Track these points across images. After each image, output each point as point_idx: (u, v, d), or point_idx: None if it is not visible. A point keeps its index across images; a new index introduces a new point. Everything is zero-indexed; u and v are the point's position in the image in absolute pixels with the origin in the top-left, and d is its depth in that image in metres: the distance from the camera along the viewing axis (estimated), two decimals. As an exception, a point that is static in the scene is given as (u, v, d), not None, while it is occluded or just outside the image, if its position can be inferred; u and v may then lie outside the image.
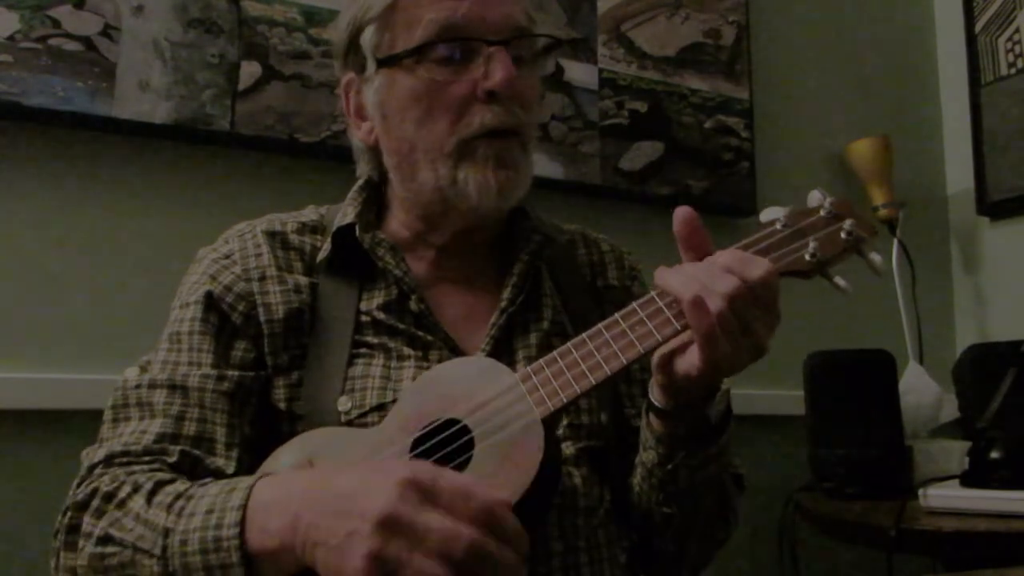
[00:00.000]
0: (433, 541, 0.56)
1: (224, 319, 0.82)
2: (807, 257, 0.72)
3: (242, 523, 0.63)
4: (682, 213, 0.72)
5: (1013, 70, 1.90)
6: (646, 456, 0.81)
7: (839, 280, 0.74)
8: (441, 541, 0.56)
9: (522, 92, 0.84)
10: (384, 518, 0.57)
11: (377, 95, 0.87)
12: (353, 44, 0.88)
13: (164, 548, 0.65)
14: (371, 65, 0.87)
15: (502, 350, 0.84)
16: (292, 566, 0.63)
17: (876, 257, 0.74)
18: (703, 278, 0.68)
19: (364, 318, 0.84)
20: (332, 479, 0.63)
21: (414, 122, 0.84)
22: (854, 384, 1.50)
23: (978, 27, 1.99)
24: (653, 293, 0.71)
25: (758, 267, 0.68)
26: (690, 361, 0.70)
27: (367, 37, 0.86)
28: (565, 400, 0.69)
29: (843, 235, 0.73)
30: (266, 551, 0.63)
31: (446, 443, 0.70)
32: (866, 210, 1.84)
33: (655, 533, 0.86)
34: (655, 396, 0.77)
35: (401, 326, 0.83)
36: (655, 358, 0.74)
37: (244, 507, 0.64)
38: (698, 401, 0.75)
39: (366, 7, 0.86)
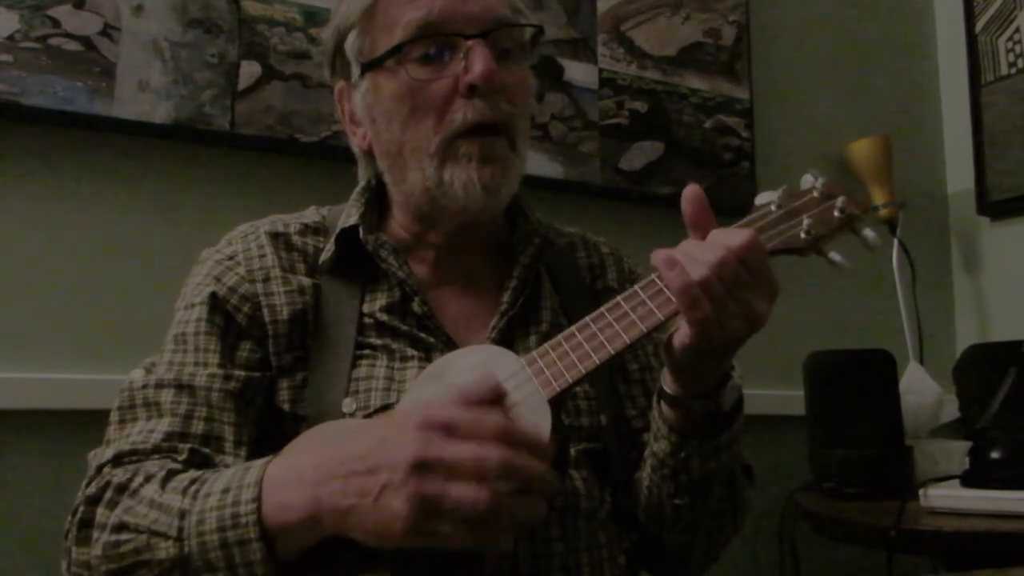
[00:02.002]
0: (465, 468, 0.59)
1: (229, 320, 0.82)
2: (802, 235, 0.74)
3: (259, 499, 0.64)
4: (691, 192, 0.74)
5: (1013, 70, 1.90)
6: (658, 446, 0.81)
7: (834, 256, 0.75)
8: (473, 466, 0.59)
9: (507, 85, 0.83)
10: (413, 462, 0.59)
11: (364, 100, 0.87)
12: (338, 51, 0.89)
13: (180, 529, 0.65)
14: (355, 71, 0.87)
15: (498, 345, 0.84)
16: (313, 538, 0.64)
17: (869, 233, 0.76)
18: (688, 248, 0.70)
19: (367, 319, 0.84)
20: (346, 445, 0.64)
21: (400, 124, 0.84)
22: (854, 384, 1.50)
23: (978, 27, 1.98)
24: (653, 276, 0.72)
25: (739, 234, 0.70)
26: (684, 331, 0.71)
27: (350, 43, 0.87)
28: (571, 380, 0.70)
29: (836, 213, 0.75)
30: (286, 525, 0.63)
31: None
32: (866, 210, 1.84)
33: (664, 527, 0.86)
34: (666, 383, 0.77)
35: (404, 328, 0.84)
36: (664, 343, 0.74)
37: (260, 483, 0.64)
38: (709, 389, 0.75)
39: (348, 13, 0.87)
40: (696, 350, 0.70)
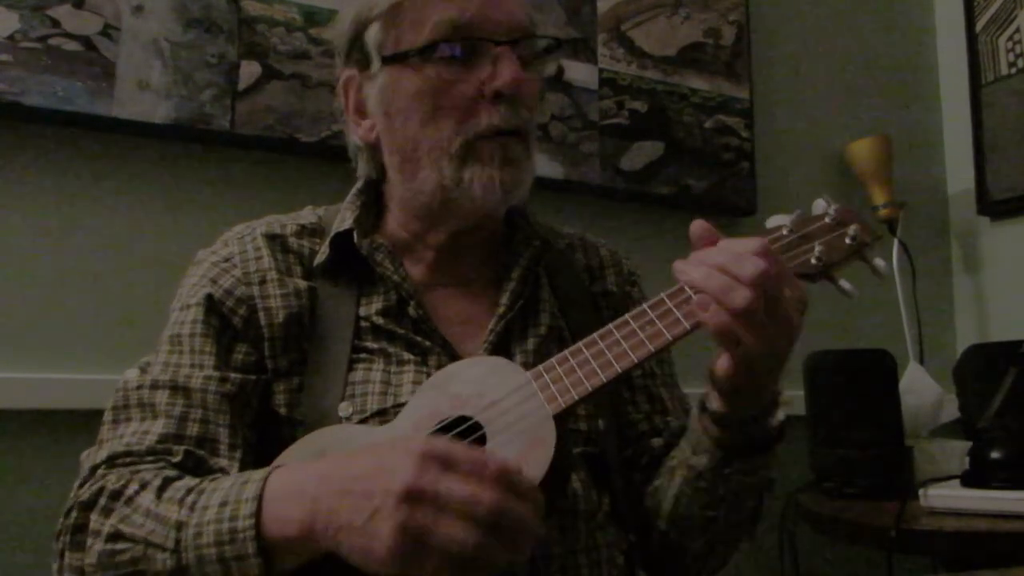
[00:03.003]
0: (457, 506, 0.57)
1: (225, 322, 0.82)
2: (813, 261, 0.74)
3: (257, 514, 0.63)
4: (699, 227, 0.73)
5: (1013, 70, 1.90)
6: (696, 460, 0.80)
7: (844, 283, 0.75)
8: (464, 505, 0.57)
9: (527, 93, 0.84)
10: (406, 491, 0.58)
11: (381, 93, 0.86)
12: (357, 40, 0.88)
13: (177, 541, 0.64)
14: (376, 62, 0.86)
15: (500, 355, 0.84)
16: (310, 554, 0.64)
17: (880, 262, 0.77)
18: (713, 282, 0.68)
19: (363, 323, 0.84)
20: (346, 464, 0.63)
21: (419, 121, 0.83)
22: (854, 384, 1.50)
23: (978, 27, 1.98)
24: (663, 295, 0.72)
25: (752, 243, 0.69)
26: (725, 362, 0.70)
27: (372, 34, 0.86)
28: (577, 397, 0.69)
29: (847, 240, 0.76)
30: (283, 540, 0.63)
31: (458, 440, 0.70)
32: (866, 210, 1.84)
33: (689, 536, 0.85)
34: (712, 402, 0.77)
35: (400, 331, 0.83)
36: (707, 370, 0.74)
37: (259, 498, 0.64)
38: (760, 411, 0.75)
39: (371, 4, 0.86)
40: (738, 377, 0.70)
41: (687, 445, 0.82)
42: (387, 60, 0.85)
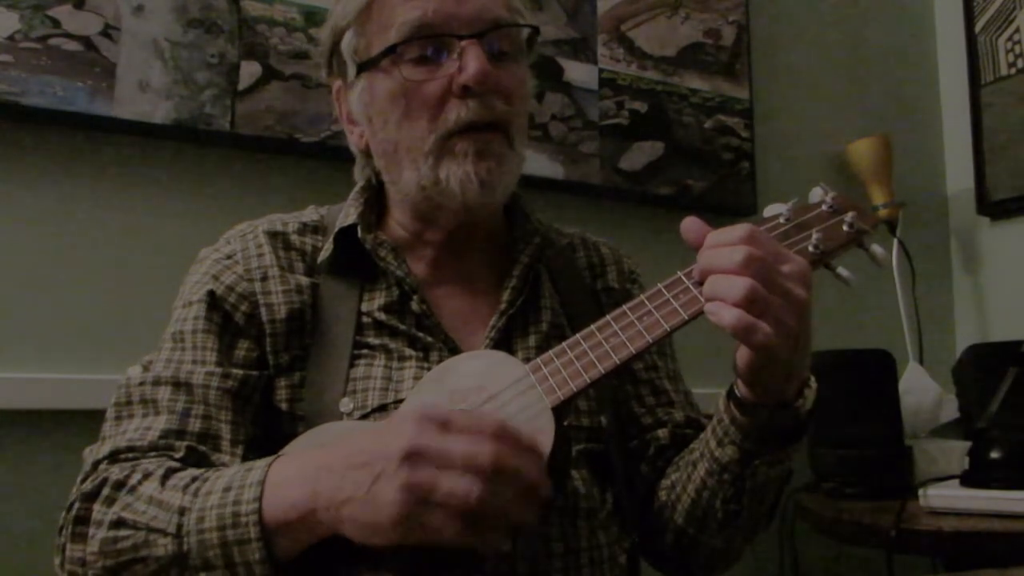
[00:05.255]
0: (458, 459, 0.59)
1: (227, 318, 0.82)
2: (810, 249, 0.74)
3: (260, 499, 0.64)
4: (691, 227, 0.72)
5: (1013, 70, 1.90)
6: (721, 452, 0.78)
7: (842, 271, 0.75)
8: (466, 458, 0.58)
9: (502, 84, 0.83)
10: (406, 452, 0.59)
11: (360, 99, 0.88)
12: (335, 51, 0.89)
13: (179, 526, 0.65)
14: (351, 70, 0.88)
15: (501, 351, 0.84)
16: (311, 537, 0.64)
17: (878, 249, 0.76)
18: (714, 264, 0.68)
19: (365, 319, 0.84)
20: (345, 444, 0.64)
21: (395, 123, 0.84)
22: (854, 384, 1.50)
23: (978, 27, 1.99)
24: (660, 285, 0.72)
25: (739, 230, 0.68)
26: (745, 354, 0.70)
27: (346, 43, 0.87)
28: (575, 389, 0.69)
29: (845, 227, 0.75)
30: (285, 524, 0.63)
31: None
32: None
33: (706, 530, 0.84)
34: (739, 390, 0.75)
35: (402, 327, 0.84)
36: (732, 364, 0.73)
37: (262, 483, 0.65)
38: (787, 397, 0.74)
39: (343, 14, 0.87)
40: (764, 364, 0.69)
41: (712, 437, 0.80)
42: (361, 67, 0.86)
